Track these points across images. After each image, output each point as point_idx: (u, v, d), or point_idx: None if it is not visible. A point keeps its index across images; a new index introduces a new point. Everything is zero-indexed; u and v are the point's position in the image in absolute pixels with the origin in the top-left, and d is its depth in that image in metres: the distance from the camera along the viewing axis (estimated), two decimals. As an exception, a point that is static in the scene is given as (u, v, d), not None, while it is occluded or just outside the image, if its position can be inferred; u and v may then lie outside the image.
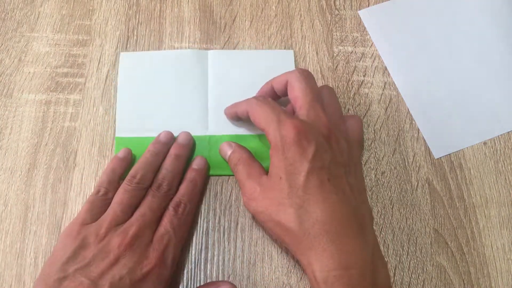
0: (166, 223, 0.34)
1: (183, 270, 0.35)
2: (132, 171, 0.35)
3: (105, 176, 0.36)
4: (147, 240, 0.32)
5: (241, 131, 0.39)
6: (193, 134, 0.39)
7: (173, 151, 0.37)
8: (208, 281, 0.35)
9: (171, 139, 0.38)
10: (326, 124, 0.33)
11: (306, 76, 0.35)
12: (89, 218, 0.33)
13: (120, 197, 0.34)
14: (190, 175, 0.37)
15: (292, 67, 0.42)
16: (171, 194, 0.36)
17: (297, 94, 0.34)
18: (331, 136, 0.33)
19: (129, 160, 0.37)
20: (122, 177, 0.36)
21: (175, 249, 0.33)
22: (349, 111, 0.41)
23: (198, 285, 0.35)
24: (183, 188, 0.36)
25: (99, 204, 0.34)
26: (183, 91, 0.41)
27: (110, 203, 0.34)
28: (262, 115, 0.34)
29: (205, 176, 0.38)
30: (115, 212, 0.33)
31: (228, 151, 0.37)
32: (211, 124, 0.40)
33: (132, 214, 0.34)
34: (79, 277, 0.30)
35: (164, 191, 0.35)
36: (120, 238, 0.32)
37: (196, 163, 0.37)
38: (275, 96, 0.38)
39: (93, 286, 0.29)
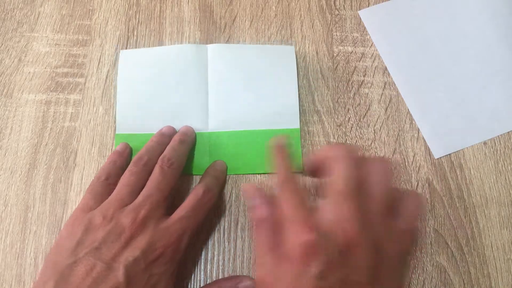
0: (187, 206, 0.33)
1: (183, 270, 0.35)
2: (137, 155, 0.35)
3: (105, 166, 0.35)
4: (158, 221, 0.31)
5: (242, 127, 0.39)
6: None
7: (177, 137, 0.37)
8: (208, 281, 0.35)
9: (174, 133, 0.38)
10: (351, 230, 0.26)
11: (352, 158, 0.29)
12: (92, 203, 0.32)
13: (126, 179, 0.33)
14: (214, 171, 0.37)
15: (293, 62, 0.41)
16: (178, 173, 0.35)
17: (334, 179, 0.28)
18: (350, 247, 0.26)
19: (127, 154, 0.37)
20: (123, 168, 0.35)
21: (191, 234, 0.32)
22: (349, 111, 0.41)
23: (199, 286, 0.35)
24: (207, 177, 0.36)
25: (101, 189, 0.33)
26: (183, 87, 0.40)
27: (112, 188, 0.33)
28: (286, 205, 0.28)
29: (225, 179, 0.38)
30: (122, 193, 0.32)
31: (253, 203, 0.30)
32: (211, 121, 0.40)
33: (137, 196, 0.33)
34: (92, 260, 0.28)
35: (174, 167, 0.34)
36: (129, 219, 0.30)
37: (219, 164, 0.38)
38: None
39: (107, 268, 0.28)
